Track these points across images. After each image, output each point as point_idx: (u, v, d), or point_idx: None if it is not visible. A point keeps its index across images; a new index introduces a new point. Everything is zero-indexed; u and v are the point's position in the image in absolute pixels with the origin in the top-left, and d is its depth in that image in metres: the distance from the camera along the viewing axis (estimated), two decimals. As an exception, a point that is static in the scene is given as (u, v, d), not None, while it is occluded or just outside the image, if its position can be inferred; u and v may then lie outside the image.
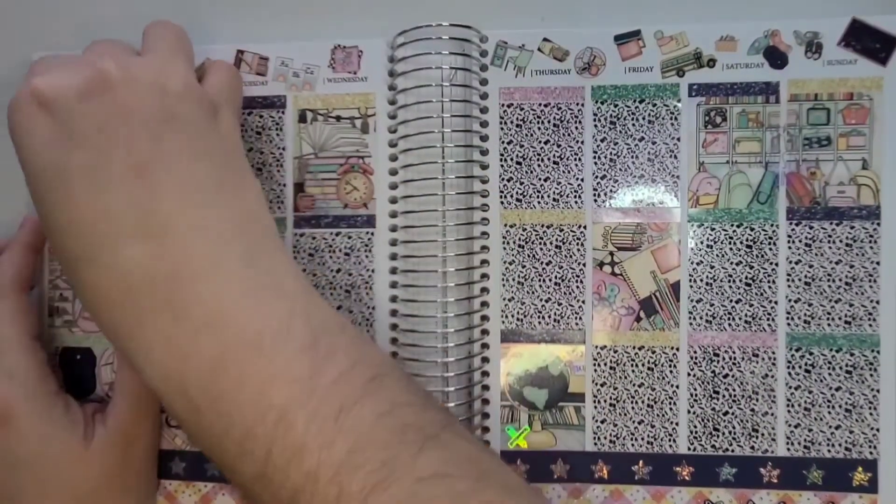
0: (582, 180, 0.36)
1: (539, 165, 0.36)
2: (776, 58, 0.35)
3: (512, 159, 0.37)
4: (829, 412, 0.35)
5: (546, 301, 0.36)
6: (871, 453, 0.35)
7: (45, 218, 0.28)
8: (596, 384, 0.36)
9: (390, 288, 0.37)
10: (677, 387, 0.36)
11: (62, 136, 0.28)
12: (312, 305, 0.29)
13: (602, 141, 0.36)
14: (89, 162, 0.27)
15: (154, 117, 0.29)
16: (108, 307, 0.28)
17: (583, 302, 0.36)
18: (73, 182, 0.27)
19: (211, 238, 0.28)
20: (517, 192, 0.37)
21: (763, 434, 0.35)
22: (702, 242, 0.36)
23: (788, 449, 0.35)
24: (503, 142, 0.37)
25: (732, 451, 0.36)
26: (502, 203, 0.37)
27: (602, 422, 0.36)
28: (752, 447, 0.35)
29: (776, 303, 0.35)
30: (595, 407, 0.36)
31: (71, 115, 0.28)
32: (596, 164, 0.36)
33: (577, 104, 0.36)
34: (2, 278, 0.35)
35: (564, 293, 0.36)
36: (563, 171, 0.36)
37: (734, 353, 0.36)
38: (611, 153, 0.36)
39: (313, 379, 0.27)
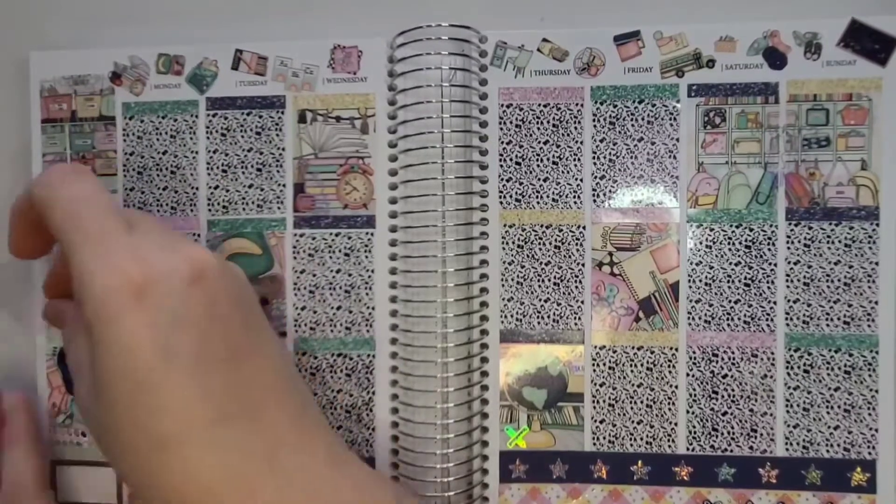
0: (581, 180, 0.36)
1: (538, 166, 0.36)
2: (775, 58, 0.35)
3: (511, 159, 0.37)
4: (828, 412, 0.35)
5: (545, 301, 0.36)
6: (869, 454, 0.35)
7: (132, 402, 0.27)
8: (595, 384, 0.36)
9: (390, 288, 0.37)
10: (676, 387, 0.36)
11: (165, 322, 0.27)
12: (361, 462, 0.32)
13: (601, 141, 0.36)
14: (195, 346, 0.27)
15: (239, 302, 0.30)
16: (199, 486, 0.27)
17: (582, 302, 0.36)
18: (176, 364, 0.27)
19: (293, 414, 0.30)
20: (516, 193, 0.37)
21: (762, 434, 0.36)
22: (701, 243, 0.36)
23: (787, 449, 0.35)
24: (502, 142, 0.37)
25: (731, 451, 0.36)
26: (501, 203, 0.37)
27: (601, 422, 0.36)
28: (751, 447, 0.36)
29: (775, 303, 0.36)
30: (594, 407, 0.36)
31: (177, 299, 0.27)
32: (595, 164, 0.36)
33: (577, 104, 0.36)
34: (23, 480, 0.35)
35: (563, 293, 0.36)
36: (563, 172, 0.36)
37: (733, 353, 0.36)
38: (610, 153, 0.36)
39: None
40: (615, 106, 0.36)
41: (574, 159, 0.36)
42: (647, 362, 0.36)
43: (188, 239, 0.30)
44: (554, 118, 0.36)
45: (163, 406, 0.27)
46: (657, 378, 0.36)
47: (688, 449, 0.36)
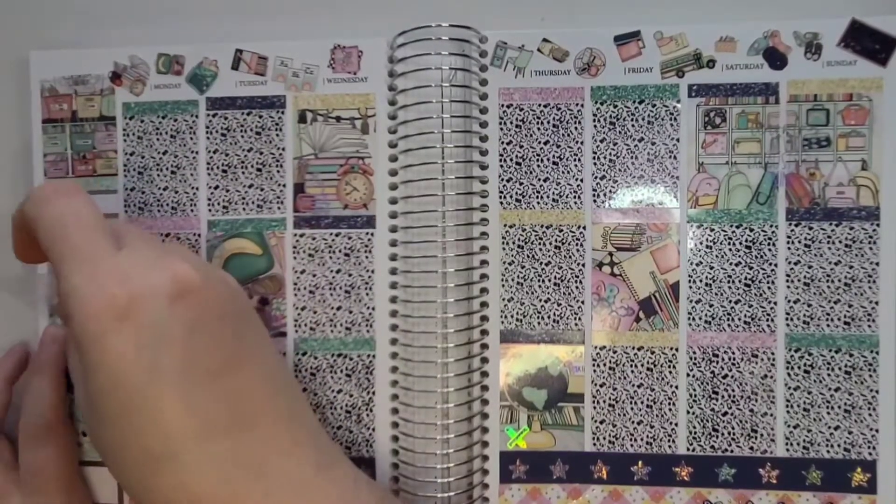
0: (581, 181, 0.36)
1: (538, 166, 0.36)
2: (776, 58, 0.35)
3: (511, 160, 0.37)
4: (828, 413, 0.35)
5: (545, 301, 0.36)
6: (869, 454, 0.35)
7: (121, 419, 0.27)
8: (595, 385, 0.36)
9: (390, 288, 0.37)
10: (676, 387, 0.36)
11: (151, 341, 0.27)
12: (350, 465, 0.32)
13: (601, 141, 0.36)
14: (180, 362, 0.27)
15: (226, 314, 0.29)
16: (190, 498, 0.28)
17: (582, 302, 0.36)
18: (162, 382, 0.27)
19: (287, 420, 0.30)
20: (517, 193, 0.37)
21: (762, 434, 0.36)
22: (701, 243, 0.36)
23: (787, 449, 0.35)
24: (503, 142, 0.37)
25: (731, 451, 0.36)
26: (502, 203, 0.37)
27: (601, 422, 0.36)
28: (752, 448, 0.36)
29: (775, 303, 0.36)
30: (594, 407, 0.36)
31: (162, 318, 0.27)
32: (595, 164, 0.36)
33: (577, 105, 0.36)
34: (43, 409, 0.35)
35: (564, 294, 0.36)
36: (563, 172, 0.36)
37: (733, 353, 0.36)
38: (610, 154, 0.36)
39: None
40: (615, 106, 0.36)
41: (574, 159, 0.36)
42: (648, 363, 0.36)
43: (175, 252, 0.30)
44: (554, 118, 0.36)
45: (150, 425, 0.27)
46: (657, 378, 0.36)
47: (688, 449, 0.36)
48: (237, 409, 0.28)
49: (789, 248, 0.36)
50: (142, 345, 0.27)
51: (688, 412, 0.36)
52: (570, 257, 0.36)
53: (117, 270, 0.27)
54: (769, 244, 0.36)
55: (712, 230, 0.36)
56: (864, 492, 0.35)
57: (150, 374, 0.27)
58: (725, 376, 0.36)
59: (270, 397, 0.30)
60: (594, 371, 0.36)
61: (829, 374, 0.35)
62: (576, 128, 0.36)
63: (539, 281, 0.36)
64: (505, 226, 0.37)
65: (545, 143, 0.36)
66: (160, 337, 0.27)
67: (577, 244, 0.36)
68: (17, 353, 0.37)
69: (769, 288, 0.36)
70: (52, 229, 0.29)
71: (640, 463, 0.36)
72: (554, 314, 0.36)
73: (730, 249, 0.36)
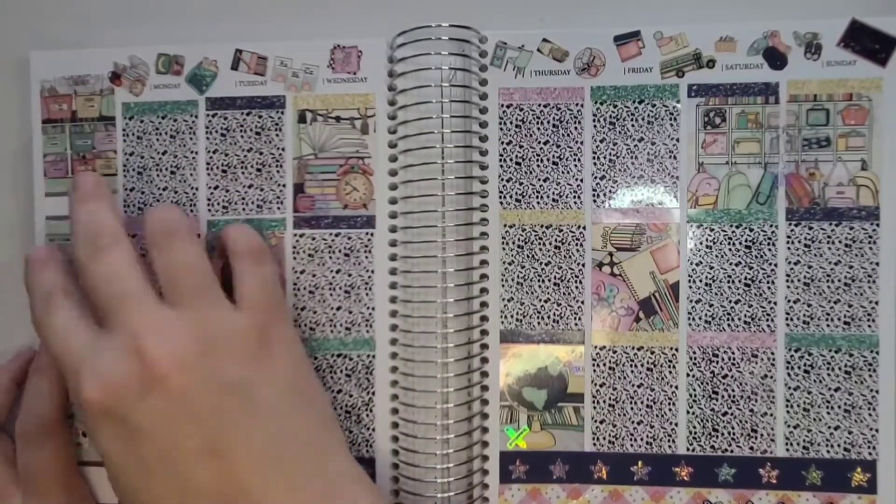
0: (581, 181, 0.36)
1: (538, 166, 0.36)
2: (775, 58, 0.35)
3: (511, 160, 0.37)
4: (828, 413, 0.35)
5: (545, 301, 0.36)
6: (869, 454, 0.35)
7: (130, 495, 0.30)
8: (595, 385, 0.36)
9: (390, 288, 0.37)
10: (676, 387, 0.36)
11: (128, 435, 0.29)
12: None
13: (601, 141, 0.36)
14: (162, 451, 0.28)
15: (211, 390, 0.29)
16: None
17: (582, 302, 0.36)
18: (150, 470, 0.28)
19: (284, 492, 0.29)
20: (516, 193, 0.37)
21: (762, 434, 0.36)
22: (701, 243, 0.36)
23: (787, 449, 0.35)
24: (502, 142, 0.37)
25: (731, 451, 0.36)
26: (501, 203, 0.37)
27: (601, 422, 0.36)
28: (751, 448, 0.36)
29: (775, 303, 0.36)
30: (594, 407, 0.36)
31: (132, 415, 0.28)
32: (595, 164, 0.36)
33: (577, 105, 0.36)
34: (44, 410, 0.35)
35: (563, 294, 0.36)
36: (563, 172, 0.36)
37: (733, 353, 0.36)
38: (610, 154, 0.36)
39: None
40: (615, 106, 0.36)
41: (574, 159, 0.36)
42: (648, 363, 0.36)
43: (161, 323, 0.30)
44: (554, 118, 0.36)
45: None
46: (657, 378, 0.36)
47: (688, 449, 0.36)
48: (226, 491, 0.28)
49: (789, 248, 0.36)
50: (122, 440, 0.29)
51: (688, 412, 0.36)
52: (570, 257, 0.36)
53: (92, 369, 0.29)
54: (769, 244, 0.36)
55: (712, 230, 0.36)
56: (864, 492, 0.35)
57: (135, 466, 0.29)
58: (725, 376, 0.36)
59: (264, 472, 0.29)
60: (594, 371, 0.36)
61: (829, 374, 0.35)
62: (576, 128, 0.36)
63: (539, 281, 0.36)
64: (505, 226, 0.37)
65: (545, 143, 0.36)
66: (138, 433, 0.28)
67: (577, 244, 0.36)
68: (25, 356, 0.37)
69: (769, 288, 0.36)
70: (36, 320, 0.32)
71: (640, 463, 0.36)
72: (554, 314, 0.36)
73: (730, 249, 0.36)
